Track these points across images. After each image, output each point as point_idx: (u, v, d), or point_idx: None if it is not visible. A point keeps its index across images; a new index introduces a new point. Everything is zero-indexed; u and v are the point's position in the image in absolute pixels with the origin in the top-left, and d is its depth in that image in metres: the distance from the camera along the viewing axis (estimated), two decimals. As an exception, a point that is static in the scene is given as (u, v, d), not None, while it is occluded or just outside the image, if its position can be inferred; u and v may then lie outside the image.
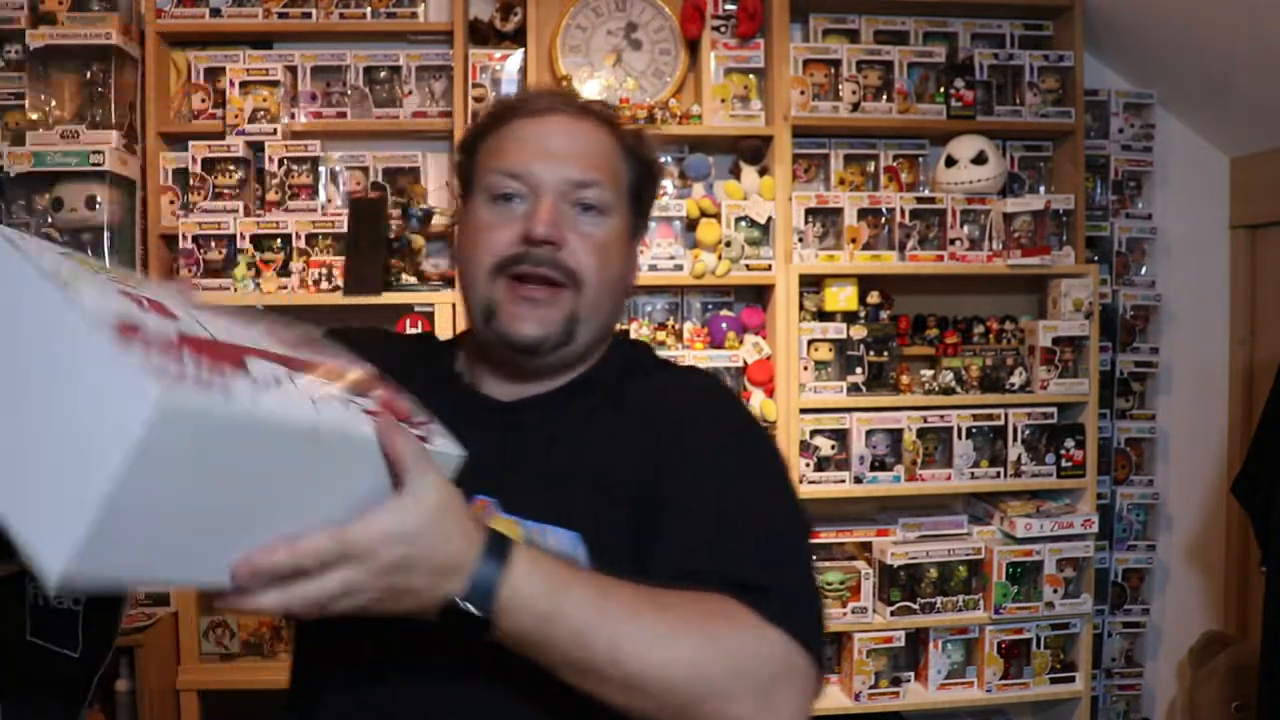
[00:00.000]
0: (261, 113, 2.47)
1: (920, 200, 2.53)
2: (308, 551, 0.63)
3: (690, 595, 0.76)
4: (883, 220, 2.53)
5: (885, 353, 2.50)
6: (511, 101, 1.00)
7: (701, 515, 0.85)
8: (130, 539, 0.55)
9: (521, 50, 2.50)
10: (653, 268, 2.43)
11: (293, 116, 2.53)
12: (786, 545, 0.87)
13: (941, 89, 2.58)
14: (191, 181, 2.45)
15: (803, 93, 2.49)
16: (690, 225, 2.48)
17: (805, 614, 0.81)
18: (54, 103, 2.40)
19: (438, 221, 2.46)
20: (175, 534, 0.58)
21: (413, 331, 2.29)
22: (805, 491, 2.43)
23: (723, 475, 0.89)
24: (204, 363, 0.58)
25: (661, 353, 2.44)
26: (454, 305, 2.36)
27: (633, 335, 2.48)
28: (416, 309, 2.35)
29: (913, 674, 2.53)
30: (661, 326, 2.54)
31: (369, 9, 2.50)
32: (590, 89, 2.56)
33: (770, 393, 2.43)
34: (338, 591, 0.65)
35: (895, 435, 2.47)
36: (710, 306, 2.60)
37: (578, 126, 0.97)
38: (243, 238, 2.38)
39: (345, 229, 2.38)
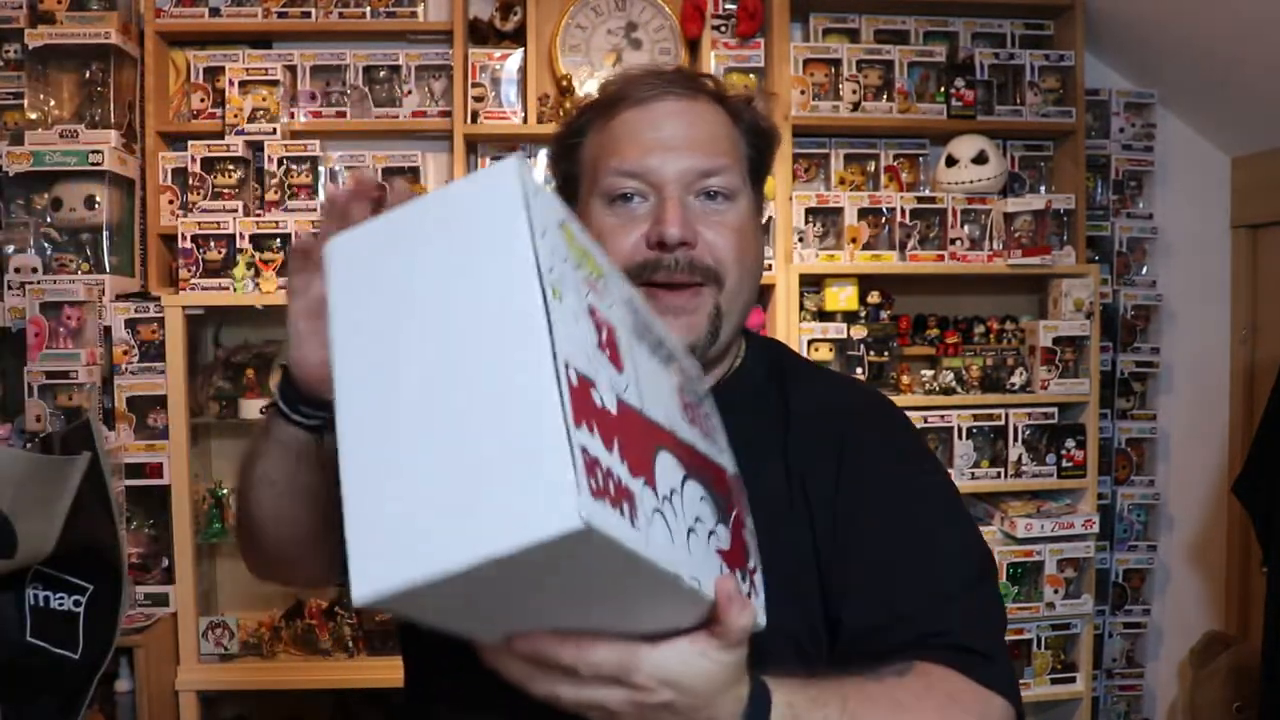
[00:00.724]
0: (261, 112, 2.47)
1: (921, 200, 2.53)
2: (591, 661, 0.59)
3: (919, 686, 0.77)
4: (883, 220, 2.53)
5: (886, 353, 2.50)
6: (615, 90, 0.91)
7: (902, 566, 0.83)
8: (446, 596, 0.49)
9: (521, 50, 2.50)
10: (653, 267, 2.42)
11: (292, 116, 2.53)
12: (989, 596, 0.87)
13: (942, 88, 2.58)
14: (191, 181, 2.45)
15: (803, 92, 2.49)
16: (690, 225, 2.48)
17: (1012, 674, 0.84)
18: (53, 102, 2.40)
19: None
20: (488, 600, 0.52)
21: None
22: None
23: (907, 499, 0.87)
24: (625, 462, 0.51)
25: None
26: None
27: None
28: (416, 309, 2.33)
29: (913, 674, 2.53)
30: (662, 326, 2.54)
31: (368, 8, 2.50)
32: (590, 89, 2.56)
33: (770, 393, 2.43)
34: (595, 704, 0.61)
35: (896, 435, 2.47)
36: (710, 306, 2.60)
37: (691, 109, 0.89)
38: (242, 237, 2.37)
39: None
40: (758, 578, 0.72)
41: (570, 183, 0.94)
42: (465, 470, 0.47)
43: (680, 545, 0.56)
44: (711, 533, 0.63)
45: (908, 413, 2.59)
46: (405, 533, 0.47)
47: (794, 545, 0.84)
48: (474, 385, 0.49)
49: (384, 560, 0.48)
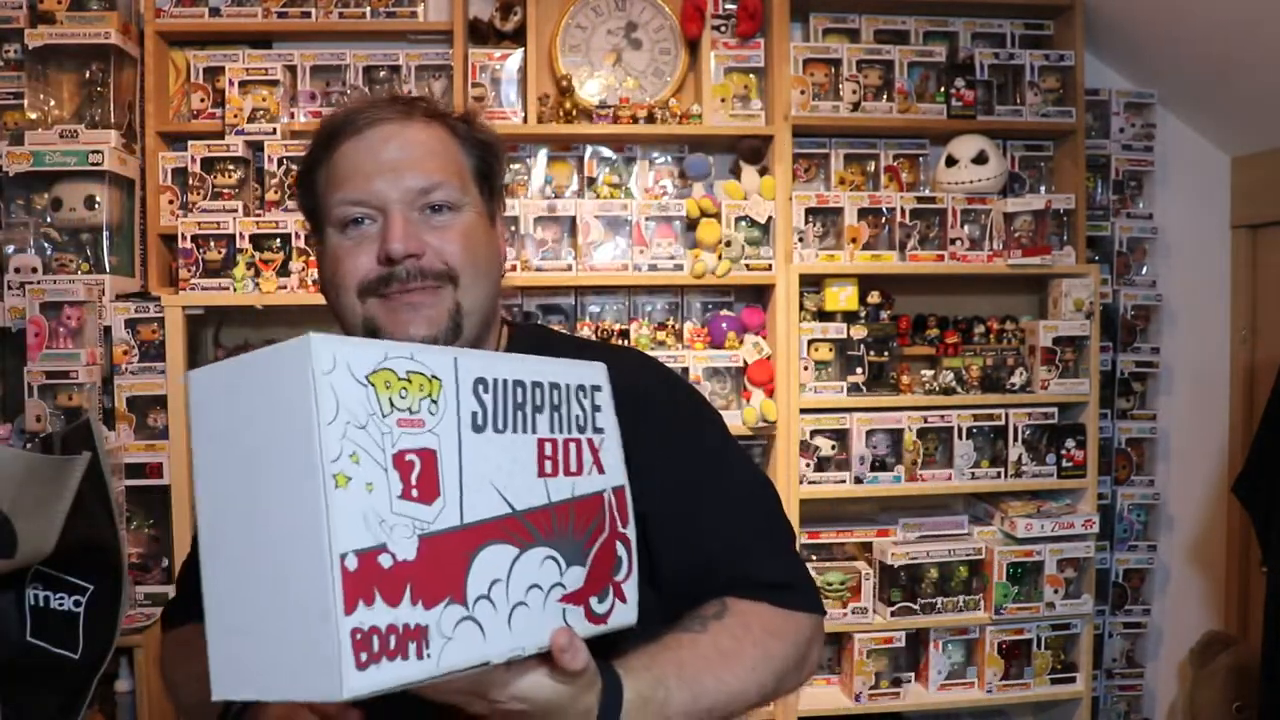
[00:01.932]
0: (261, 112, 2.47)
1: (921, 200, 2.53)
2: (447, 690, 0.71)
3: (737, 627, 0.91)
4: (883, 220, 2.53)
5: (885, 353, 2.50)
6: (335, 123, 0.97)
7: (706, 511, 0.97)
8: None
9: (521, 50, 2.50)
10: (653, 267, 2.42)
11: (292, 116, 2.53)
12: (781, 527, 1.03)
13: (942, 88, 2.58)
14: (190, 181, 2.45)
15: (803, 92, 2.49)
16: (690, 225, 2.48)
17: (811, 587, 1.00)
18: (53, 102, 2.40)
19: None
20: None
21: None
22: (805, 492, 2.43)
23: (705, 462, 0.99)
24: (419, 602, 0.64)
25: (661, 353, 2.46)
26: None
27: (631, 336, 2.48)
28: (416, 309, 2.34)
29: (913, 674, 2.53)
30: (661, 326, 2.54)
31: (368, 8, 2.49)
32: (590, 88, 2.56)
33: (770, 393, 2.43)
34: (463, 705, 0.74)
35: (896, 435, 2.47)
36: (710, 306, 2.60)
37: (406, 131, 0.95)
38: (242, 237, 2.37)
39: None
40: (629, 583, 0.84)
41: (313, 215, 1.00)
42: (276, 623, 0.62)
43: (501, 627, 0.70)
44: (556, 584, 0.76)
45: (908, 413, 2.58)
46: (240, 658, 0.64)
47: None
48: (282, 551, 0.62)
49: (227, 675, 0.64)
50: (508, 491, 0.73)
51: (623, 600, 0.83)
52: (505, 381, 0.75)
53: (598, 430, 0.84)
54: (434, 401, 0.68)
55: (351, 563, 0.60)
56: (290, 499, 0.61)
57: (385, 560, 0.62)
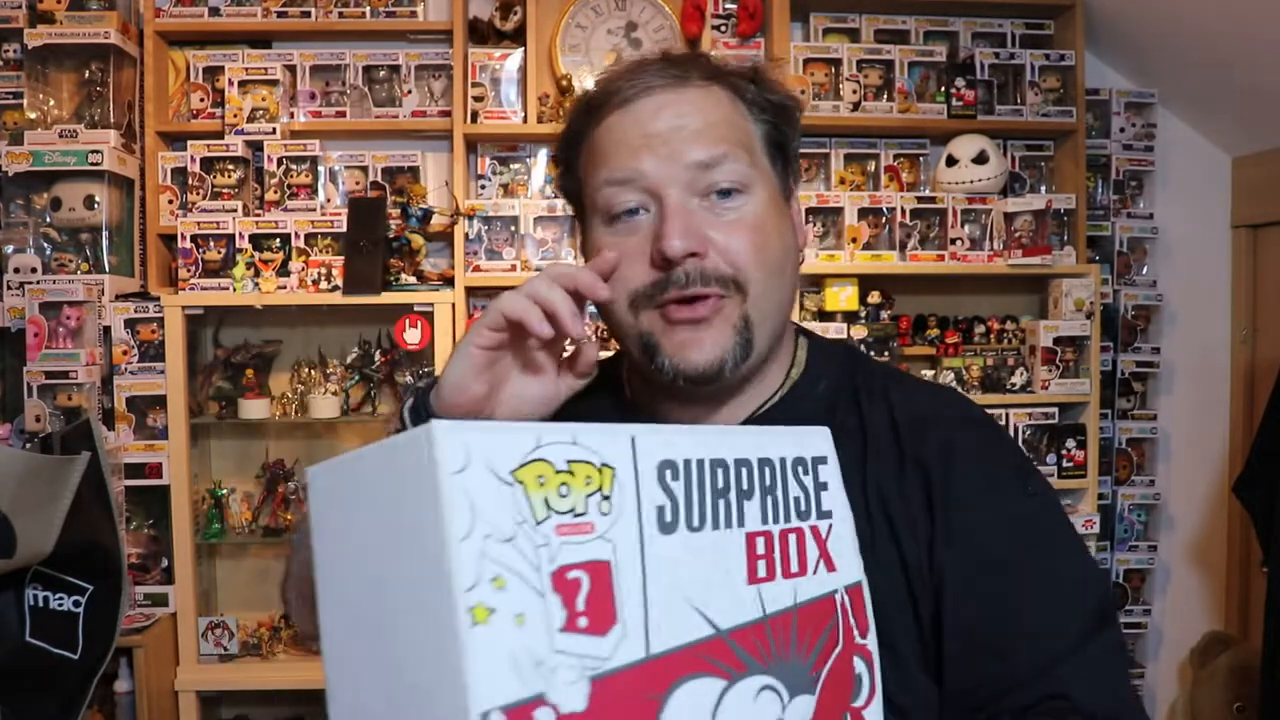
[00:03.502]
0: (260, 112, 2.46)
1: (921, 200, 2.53)
2: None
3: None
4: (883, 220, 2.53)
5: (886, 353, 2.50)
6: (598, 94, 0.82)
7: (1014, 600, 0.74)
8: None
9: (521, 49, 2.50)
10: (653, 267, 2.42)
11: (292, 116, 2.52)
12: (1113, 643, 0.75)
13: (942, 88, 2.58)
14: (190, 181, 2.45)
15: (803, 92, 2.49)
16: (690, 225, 2.47)
17: (1141, 713, 0.75)
18: (52, 102, 2.39)
19: (437, 221, 2.45)
20: None
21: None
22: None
23: (1023, 536, 0.76)
24: None
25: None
26: (453, 305, 2.36)
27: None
28: (416, 309, 2.34)
29: (913, 674, 2.53)
30: (662, 326, 2.53)
31: (368, 8, 2.49)
32: (588, 88, 2.56)
33: (771, 393, 2.42)
34: None
35: (896, 435, 2.47)
36: (711, 306, 2.59)
37: (681, 98, 0.79)
38: (241, 237, 2.37)
39: (344, 229, 2.38)
40: (871, 708, 0.66)
41: (576, 200, 0.86)
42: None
43: None
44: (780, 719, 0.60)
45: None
46: None
47: (878, 593, 0.70)
48: (415, 704, 0.49)
49: None
50: (709, 607, 0.57)
51: None
52: (700, 463, 0.59)
53: (823, 515, 0.67)
54: (606, 498, 0.53)
55: None
56: (421, 636, 0.48)
57: (545, 715, 0.48)
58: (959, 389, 2.51)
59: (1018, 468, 0.80)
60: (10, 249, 2.35)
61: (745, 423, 0.82)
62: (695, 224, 0.76)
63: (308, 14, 2.48)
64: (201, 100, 2.52)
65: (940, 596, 0.73)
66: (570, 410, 0.80)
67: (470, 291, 2.47)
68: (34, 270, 2.33)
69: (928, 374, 2.52)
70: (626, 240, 0.78)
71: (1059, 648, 0.72)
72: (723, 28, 2.52)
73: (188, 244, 2.37)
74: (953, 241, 2.52)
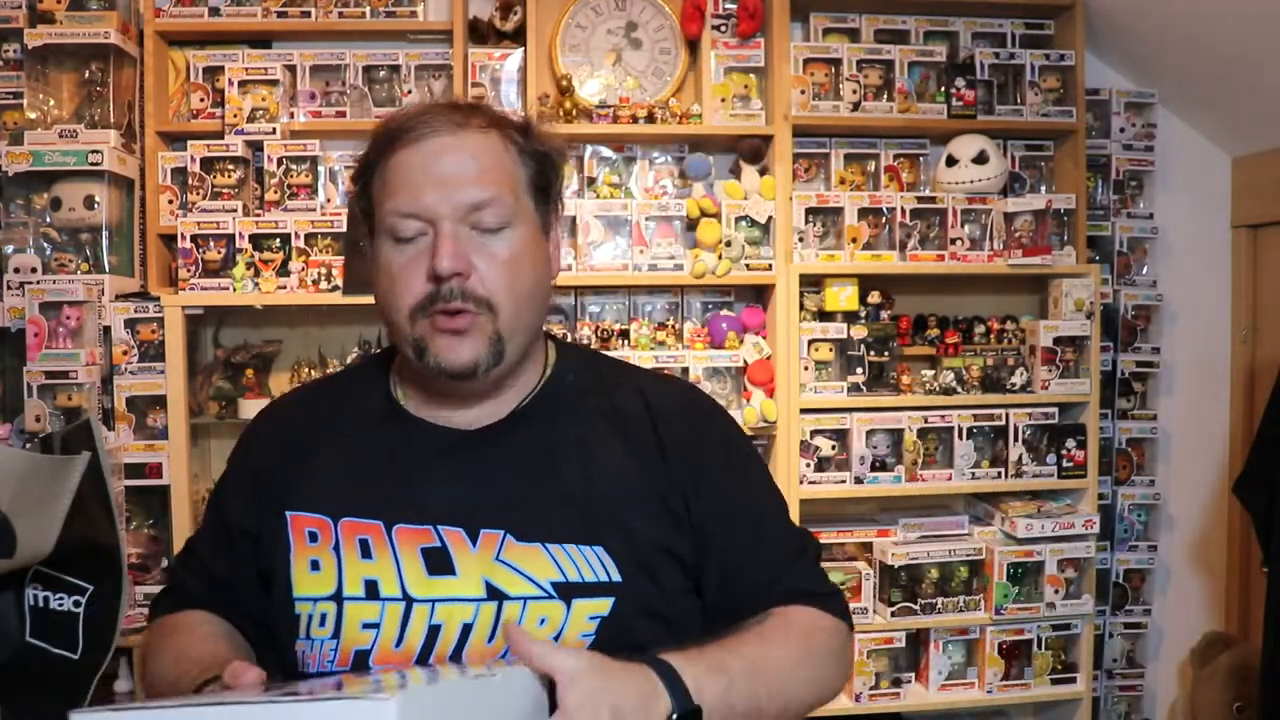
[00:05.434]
0: (260, 112, 2.46)
1: (921, 200, 2.53)
2: None
3: (779, 625, 0.96)
4: (883, 220, 2.52)
5: (886, 353, 2.50)
6: (392, 128, 0.97)
7: (750, 537, 1.01)
8: None
9: (521, 49, 2.50)
10: (653, 267, 2.42)
11: (292, 116, 2.52)
12: (813, 544, 1.07)
13: (942, 88, 2.58)
14: (190, 181, 2.44)
15: (803, 92, 2.48)
16: (690, 225, 2.48)
17: (844, 600, 1.04)
18: (52, 102, 2.39)
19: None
20: None
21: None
22: (805, 492, 2.43)
23: (751, 492, 1.05)
24: None
25: (662, 353, 2.46)
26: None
27: (631, 335, 2.48)
28: (416, 309, 2.34)
29: (913, 675, 2.53)
30: (661, 326, 2.54)
31: (368, 8, 2.49)
32: (590, 88, 2.56)
33: (770, 393, 2.43)
34: None
35: (896, 435, 2.47)
36: (710, 306, 2.60)
37: (460, 144, 0.95)
38: (241, 237, 2.37)
39: (344, 228, 2.38)
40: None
41: (367, 216, 1.00)
42: None
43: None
44: None
45: (908, 414, 2.60)
46: None
47: (644, 532, 0.96)
48: None
49: None
50: None
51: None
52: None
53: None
54: None
55: None
56: None
57: None
58: (958, 386, 2.51)
59: (741, 440, 1.09)
60: (10, 249, 2.35)
61: (513, 412, 1.01)
62: (462, 250, 0.93)
63: (308, 14, 2.48)
64: (201, 100, 2.52)
65: (701, 538, 0.98)
66: (339, 414, 1.04)
67: (470, 291, 2.47)
68: (34, 270, 2.33)
69: (928, 374, 2.52)
70: (409, 257, 0.94)
71: (783, 559, 1.02)
72: (723, 28, 2.52)
73: (188, 244, 2.37)
74: (953, 241, 2.52)
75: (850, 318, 2.49)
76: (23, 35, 2.34)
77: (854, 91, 2.52)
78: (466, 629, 0.91)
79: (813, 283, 2.53)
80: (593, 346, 2.39)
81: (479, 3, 2.59)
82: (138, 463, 2.32)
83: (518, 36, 2.52)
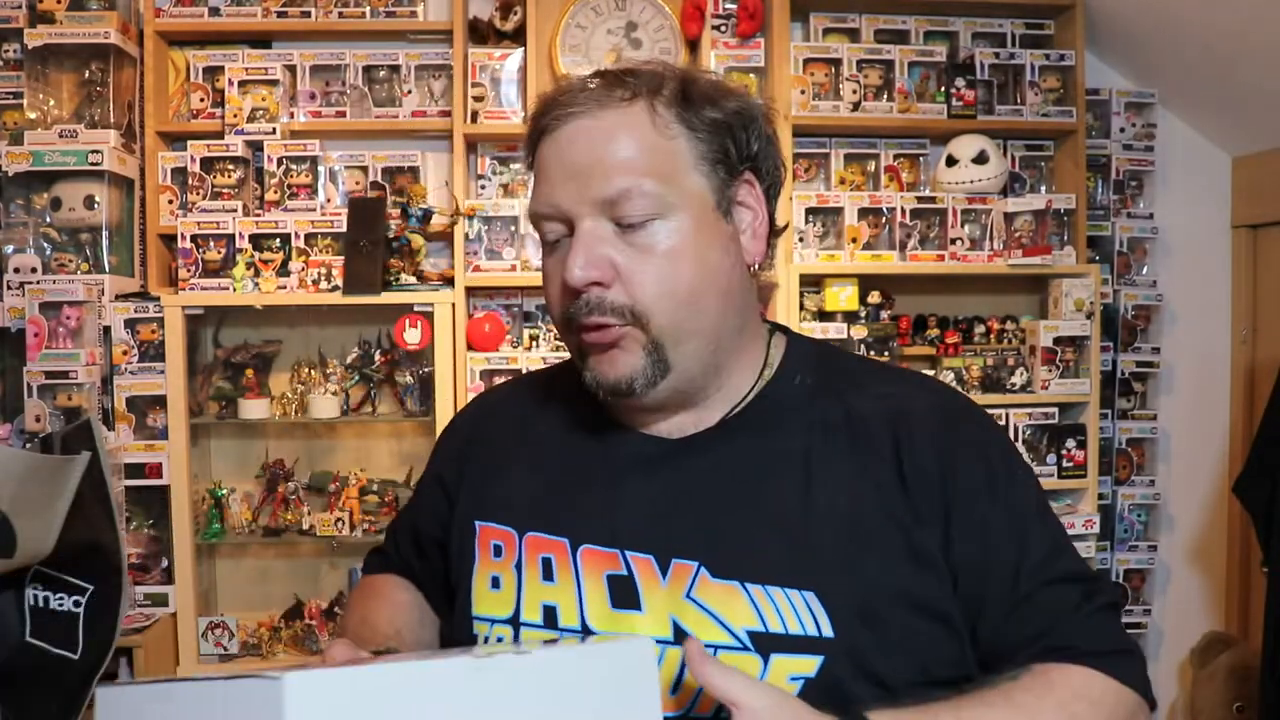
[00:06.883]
0: (260, 112, 2.46)
1: (921, 200, 2.53)
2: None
3: (1038, 685, 0.76)
4: (883, 220, 2.52)
5: (886, 353, 2.50)
6: (537, 119, 0.86)
7: (1012, 580, 0.80)
8: None
9: (521, 49, 2.50)
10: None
11: (292, 116, 2.52)
12: (1102, 591, 0.84)
13: (942, 88, 2.58)
14: (190, 181, 2.45)
15: (803, 92, 2.48)
16: (690, 225, 2.47)
17: (1142, 662, 0.82)
18: (52, 102, 2.39)
19: (437, 221, 2.45)
20: None
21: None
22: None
23: (1017, 523, 0.82)
24: None
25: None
26: (453, 305, 2.36)
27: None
28: (416, 309, 2.34)
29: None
30: (662, 326, 2.53)
31: (368, 8, 2.49)
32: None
33: (771, 393, 2.42)
34: None
35: (896, 435, 2.46)
36: (710, 306, 2.59)
37: (595, 125, 0.80)
38: (241, 237, 2.37)
39: (344, 228, 2.38)
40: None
41: None
42: None
43: None
44: None
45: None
46: None
47: (871, 575, 0.78)
48: None
49: None
50: None
51: None
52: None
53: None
54: None
55: None
56: None
57: None
58: (958, 386, 2.51)
59: (1006, 450, 0.87)
60: (10, 249, 2.35)
61: (724, 420, 0.85)
62: (600, 253, 0.79)
63: (308, 14, 2.48)
64: (201, 100, 2.52)
65: (958, 583, 0.79)
66: (542, 414, 0.93)
67: (470, 291, 2.47)
68: (34, 270, 2.33)
69: (928, 374, 2.52)
70: (554, 264, 0.83)
71: (1094, 623, 0.80)
72: (723, 28, 2.52)
73: (188, 244, 2.37)
74: (953, 241, 2.52)
75: (850, 318, 2.49)
76: (23, 35, 2.35)
77: (854, 91, 2.52)
78: None
79: (813, 283, 2.53)
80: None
81: (479, 3, 2.59)
82: (138, 463, 2.33)
83: (518, 36, 2.52)
